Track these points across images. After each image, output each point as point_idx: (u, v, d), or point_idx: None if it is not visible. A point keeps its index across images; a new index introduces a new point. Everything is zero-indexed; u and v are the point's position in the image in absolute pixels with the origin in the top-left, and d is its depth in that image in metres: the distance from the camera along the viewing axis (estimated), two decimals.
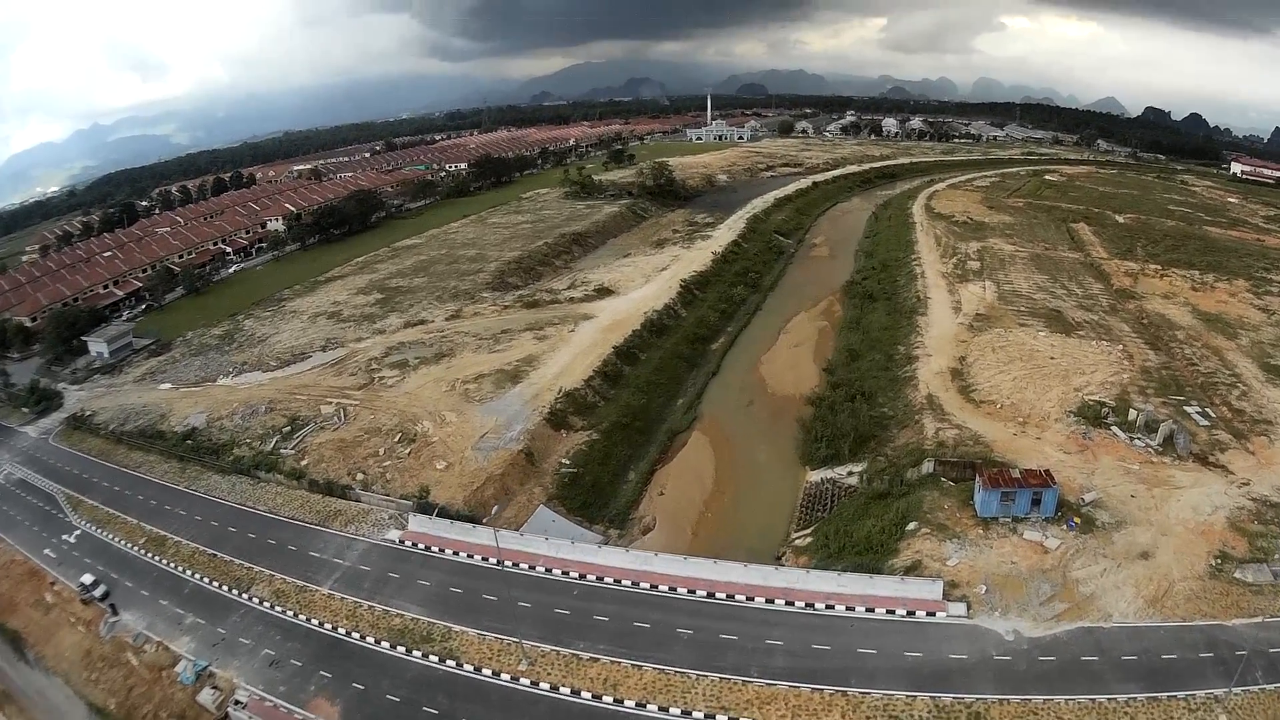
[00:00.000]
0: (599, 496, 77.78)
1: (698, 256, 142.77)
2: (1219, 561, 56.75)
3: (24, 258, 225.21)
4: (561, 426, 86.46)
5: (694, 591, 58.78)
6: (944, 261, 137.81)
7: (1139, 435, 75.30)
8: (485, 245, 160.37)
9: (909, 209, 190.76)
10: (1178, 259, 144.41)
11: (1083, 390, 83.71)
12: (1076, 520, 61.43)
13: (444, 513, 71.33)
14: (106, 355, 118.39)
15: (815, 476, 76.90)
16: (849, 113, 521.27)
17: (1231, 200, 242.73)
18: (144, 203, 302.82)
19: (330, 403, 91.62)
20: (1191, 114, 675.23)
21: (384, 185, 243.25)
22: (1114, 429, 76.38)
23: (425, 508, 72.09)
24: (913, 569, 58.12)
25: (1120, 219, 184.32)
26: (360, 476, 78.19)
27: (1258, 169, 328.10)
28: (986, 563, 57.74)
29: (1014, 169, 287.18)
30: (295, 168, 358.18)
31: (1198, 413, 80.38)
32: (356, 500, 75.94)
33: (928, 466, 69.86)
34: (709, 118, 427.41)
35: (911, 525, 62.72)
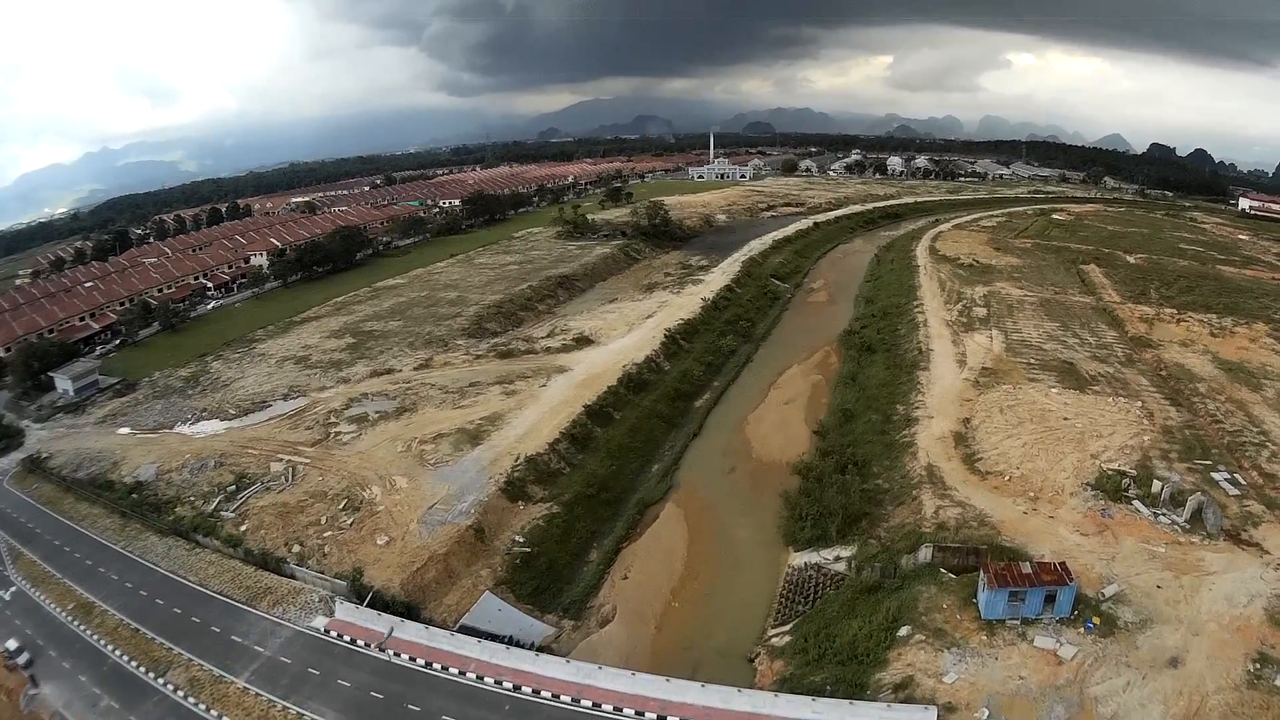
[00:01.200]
0: (554, 580, 69.21)
1: (687, 303, 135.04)
2: (1258, 666, 48.17)
3: (17, 280, 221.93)
4: (519, 498, 78.18)
5: (642, 714, 49.95)
6: (948, 308, 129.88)
7: (1164, 510, 66.75)
8: (468, 287, 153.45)
9: (912, 251, 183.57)
10: (1193, 301, 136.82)
11: (1100, 457, 75.15)
12: (1096, 621, 52.55)
13: (377, 599, 63.20)
14: (71, 393, 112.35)
15: (799, 560, 68.16)
16: (854, 151, 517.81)
17: (1242, 237, 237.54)
18: (140, 230, 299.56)
19: (281, 459, 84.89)
20: (1197, 149, 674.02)
21: (374, 221, 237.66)
22: (1136, 503, 67.72)
23: (359, 591, 63.97)
24: (903, 686, 49.20)
25: (1131, 259, 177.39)
26: (297, 549, 70.47)
27: (1266, 204, 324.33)
28: (990, 678, 48.83)
29: (1021, 208, 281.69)
30: (294, 200, 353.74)
31: (1226, 479, 71.98)
32: (290, 577, 67.99)
33: (925, 554, 61.23)
34: (711, 156, 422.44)
35: (904, 630, 53.79)
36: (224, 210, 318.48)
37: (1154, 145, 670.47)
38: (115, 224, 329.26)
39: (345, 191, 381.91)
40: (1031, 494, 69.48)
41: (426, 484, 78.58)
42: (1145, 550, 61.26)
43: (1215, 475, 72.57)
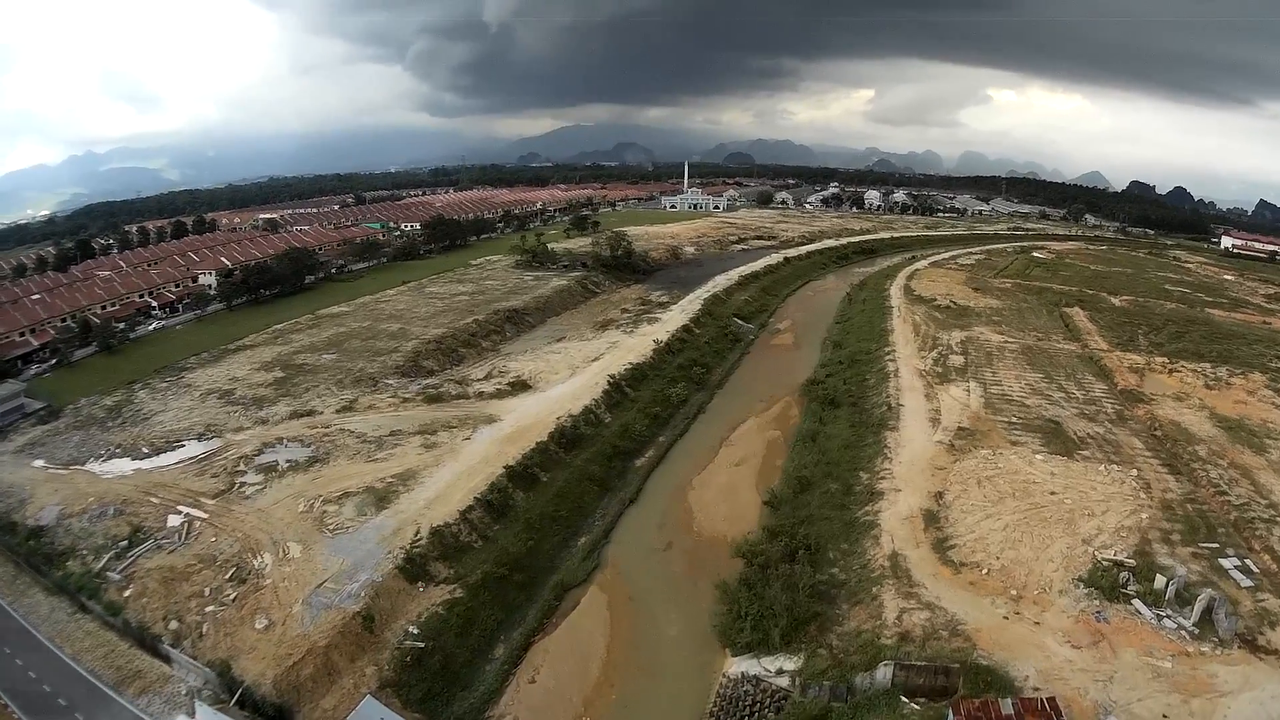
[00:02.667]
0: (450, 683, 56.97)
1: (638, 345, 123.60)
2: None
3: None
4: (419, 578, 65.81)
5: None
6: (922, 355, 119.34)
7: (1169, 611, 55.90)
8: (412, 319, 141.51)
9: (886, 290, 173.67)
10: (1184, 349, 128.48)
11: (1094, 541, 64.19)
12: None
13: (247, 697, 51.70)
14: None
15: (735, 669, 56.06)
16: (832, 184, 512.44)
17: (1228, 278, 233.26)
18: (105, 240, 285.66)
19: (180, 512, 73.68)
20: (1176, 187, 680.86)
21: (330, 243, 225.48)
22: (1137, 603, 56.81)
23: (230, 686, 52.70)
24: None
25: (1117, 301, 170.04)
26: (174, 625, 59.27)
27: (1248, 243, 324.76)
28: None
29: (1000, 245, 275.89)
30: (261, 216, 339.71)
31: (1236, 567, 61.69)
32: (164, 659, 56.35)
33: (884, 674, 49.51)
34: (685, 185, 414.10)
35: None
36: (190, 224, 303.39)
37: (1134, 183, 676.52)
38: (87, 231, 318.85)
39: (315, 209, 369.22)
40: (1014, 592, 58.02)
41: (320, 555, 66.82)
42: (1148, 666, 50.38)
43: (1224, 562, 62.32)
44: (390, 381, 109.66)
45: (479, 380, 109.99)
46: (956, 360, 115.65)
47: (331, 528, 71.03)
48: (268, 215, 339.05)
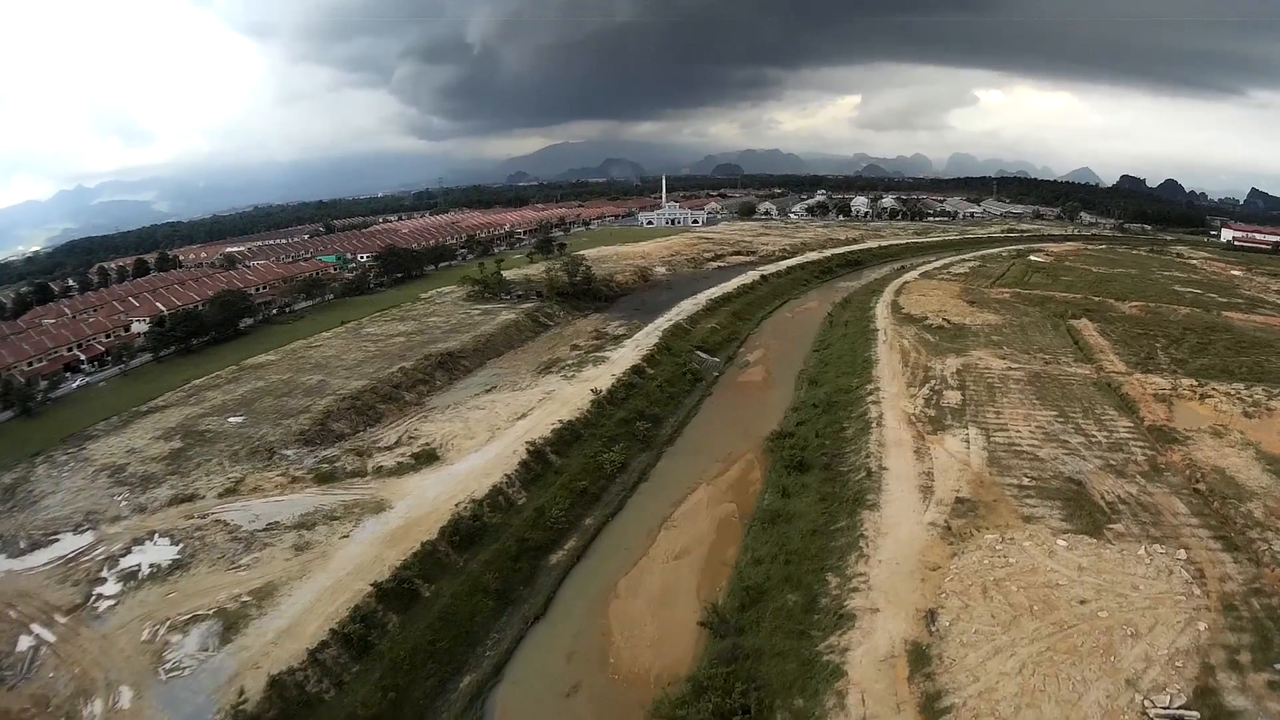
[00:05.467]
0: None
1: (575, 395, 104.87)
2: None
3: None
4: None
5: None
6: (911, 392, 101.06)
7: None
8: (336, 369, 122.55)
9: (871, 309, 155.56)
10: (1211, 365, 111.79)
11: (1141, 683, 45.90)
12: None
13: None
14: None
15: None
16: (819, 192, 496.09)
17: (1236, 274, 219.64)
18: (69, 282, 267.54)
19: (32, 632, 59.31)
20: (1167, 180, 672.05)
21: (274, 281, 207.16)
22: None
23: None
24: None
25: (1126, 309, 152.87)
26: None
27: (1249, 235, 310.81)
28: None
29: (995, 249, 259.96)
30: (227, 250, 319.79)
31: None
32: None
33: None
34: (664, 199, 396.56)
35: None
36: (151, 261, 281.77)
37: (1124, 177, 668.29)
38: (63, 269, 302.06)
39: (283, 240, 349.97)
40: None
41: (149, 707, 50.86)
42: None
43: None
44: (289, 452, 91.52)
45: (385, 449, 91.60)
46: (952, 398, 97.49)
47: (168, 667, 54.50)
48: (234, 249, 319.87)
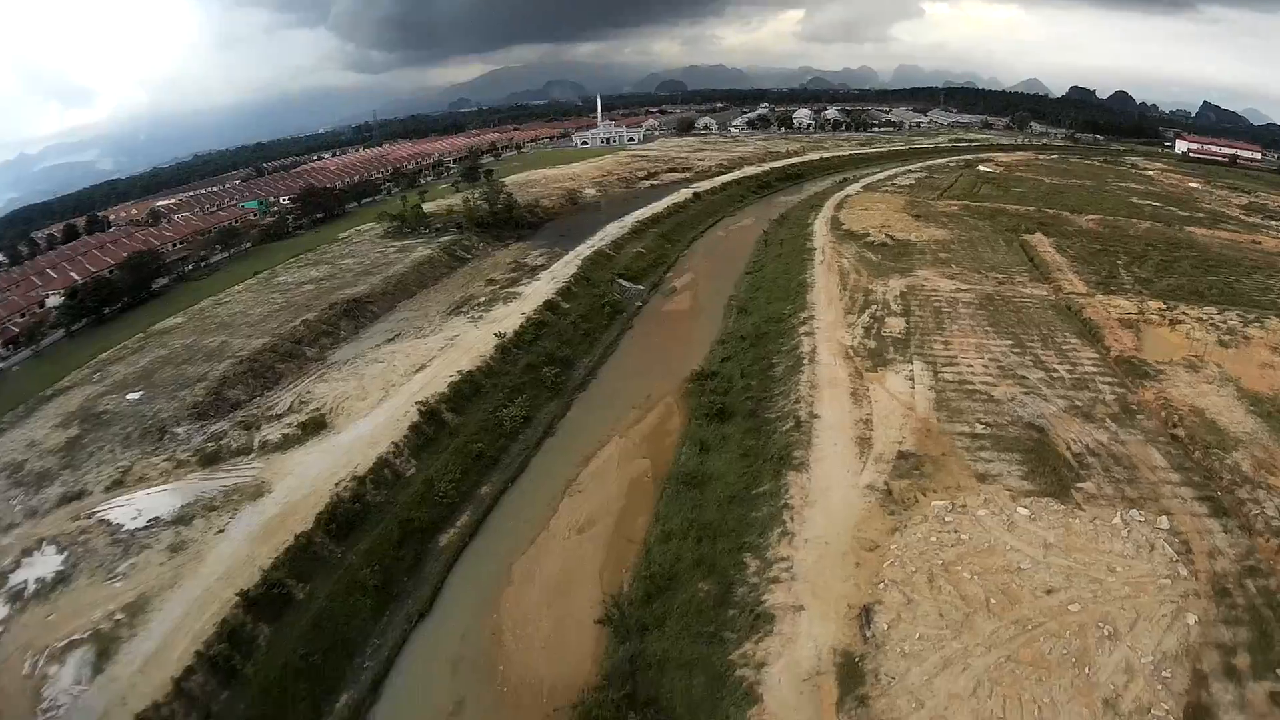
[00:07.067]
0: None
1: (478, 340, 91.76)
2: None
3: None
4: None
5: None
6: (849, 321, 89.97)
7: None
8: (240, 326, 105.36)
9: (809, 226, 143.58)
10: (1178, 285, 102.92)
11: (1122, 703, 36.53)
12: None
13: None
14: None
15: None
16: (761, 105, 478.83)
17: (1194, 185, 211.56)
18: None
19: None
20: (1118, 92, 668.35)
21: (190, 235, 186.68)
22: None
23: None
24: None
25: (1083, 222, 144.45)
26: None
27: (1205, 146, 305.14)
28: None
29: (942, 159, 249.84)
30: (158, 204, 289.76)
31: None
32: None
33: None
34: (599, 119, 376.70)
35: None
36: (82, 225, 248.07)
37: (1074, 88, 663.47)
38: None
39: (215, 189, 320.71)
40: None
41: None
42: None
43: None
44: (180, 430, 76.48)
45: (275, 418, 77.26)
46: (895, 326, 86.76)
47: (45, 708, 45.03)
48: (164, 203, 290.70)
